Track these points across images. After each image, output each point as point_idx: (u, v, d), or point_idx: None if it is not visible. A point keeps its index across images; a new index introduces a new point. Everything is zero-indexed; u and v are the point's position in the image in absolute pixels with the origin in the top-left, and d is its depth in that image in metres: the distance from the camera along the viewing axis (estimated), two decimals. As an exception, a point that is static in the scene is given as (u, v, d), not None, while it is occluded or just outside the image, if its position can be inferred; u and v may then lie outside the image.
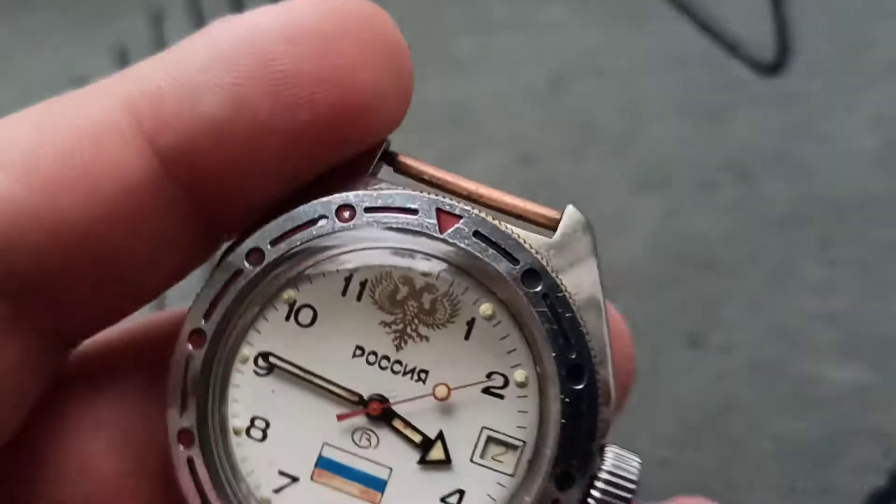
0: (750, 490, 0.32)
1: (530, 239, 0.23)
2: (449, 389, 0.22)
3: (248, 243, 0.22)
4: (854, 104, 0.37)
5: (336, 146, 0.22)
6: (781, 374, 0.33)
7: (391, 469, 0.22)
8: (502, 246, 0.22)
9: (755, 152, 0.36)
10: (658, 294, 0.35)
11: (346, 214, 0.22)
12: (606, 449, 0.22)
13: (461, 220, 0.22)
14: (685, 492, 0.32)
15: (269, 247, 0.22)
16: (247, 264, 0.22)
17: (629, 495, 0.22)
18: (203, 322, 0.22)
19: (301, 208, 0.22)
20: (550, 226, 0.23)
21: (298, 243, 0.22)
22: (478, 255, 0.22)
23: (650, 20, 0.39)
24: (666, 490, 0.32)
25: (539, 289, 0.22)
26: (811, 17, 0.38)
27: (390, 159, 0.23)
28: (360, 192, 0.22)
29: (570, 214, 0.23)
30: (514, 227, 0.22)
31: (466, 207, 0.22)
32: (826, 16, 0.38)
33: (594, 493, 0.21)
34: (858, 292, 0.34)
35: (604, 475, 0.22)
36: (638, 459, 0.22)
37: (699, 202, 0.36)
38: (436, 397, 0.22)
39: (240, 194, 0.22)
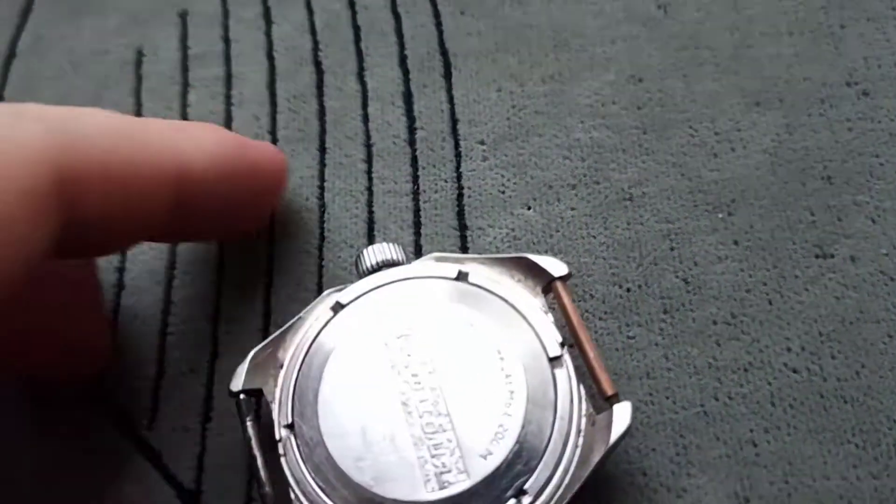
0: (887, 397, 0.30)
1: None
2: None
3: None
4: (973, 24, 0.36)
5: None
6: (914, 285, 0.32)
7: None
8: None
9: (874, 68, 0.35)
10: (782, 207, 0.33)
11: None
12: None
13: None
14: (821, 398, 0.30)
15: None
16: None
17: None
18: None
19: None
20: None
21: None
22: None
23: (757, -55, 0.38)
24: (802, 397, 0.31)
25: None
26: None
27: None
28: None
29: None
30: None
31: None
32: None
33: None
34: None
35: None
36: None
37: (818, 118, 0.35)
38: None
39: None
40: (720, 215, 0.34)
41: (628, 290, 0.33)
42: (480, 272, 0.30)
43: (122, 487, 0.31)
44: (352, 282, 0.31)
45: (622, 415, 0.27)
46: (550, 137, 0.36)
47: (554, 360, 0.28)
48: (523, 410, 0.27)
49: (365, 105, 0.38)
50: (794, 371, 0.31)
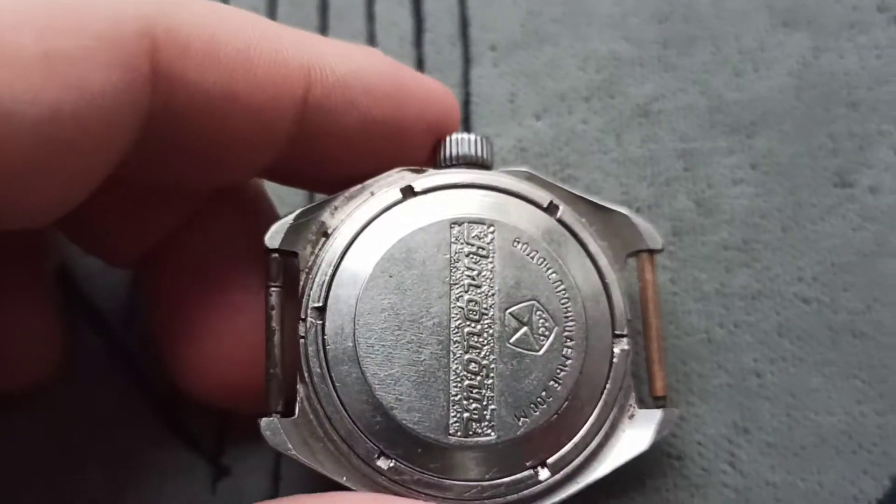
0: (898, 336, 0.29)
1: None
2: None
3: None
4: None
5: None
6: (934, 221, 0.31)
7: None
8: None
9: (911, -7, 0.34)
10: (804, 131, 0.32)
11: None
12: None
13: None
14: (829, 331, 0.29)
15: None
16: None
17: None
18: None
19: None
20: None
21: None
22: None
23: None
24: (811, 329, 0.30)
25: None
26: None
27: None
28: None
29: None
30: None
31: None
32: None
33: None
34: None
35: None
36: None
37: (846, 42, 0.33)
38: None
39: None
40: (738, 137, 0.32)
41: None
42: (568, 209, 0.26)
43: None
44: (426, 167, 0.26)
45: (667, 423, 0.25)
46: (566, 47, 0.34)
47: (617, 338, 0.25)
48: (573, 382, 0.24)
49: (370, 2, 0.36)
50: (805, 301, 0.30)
